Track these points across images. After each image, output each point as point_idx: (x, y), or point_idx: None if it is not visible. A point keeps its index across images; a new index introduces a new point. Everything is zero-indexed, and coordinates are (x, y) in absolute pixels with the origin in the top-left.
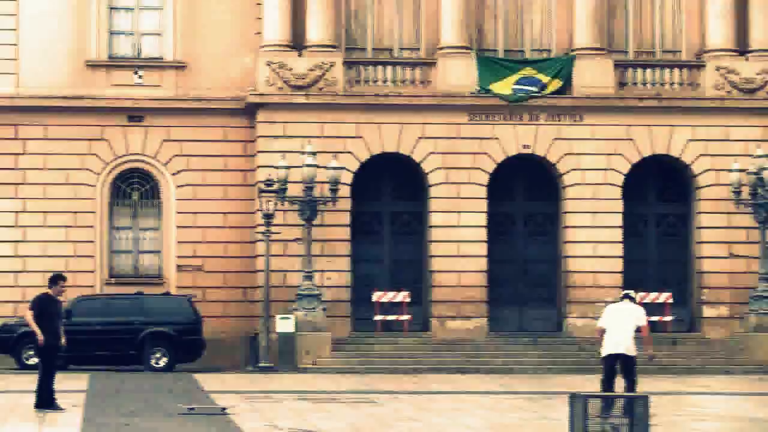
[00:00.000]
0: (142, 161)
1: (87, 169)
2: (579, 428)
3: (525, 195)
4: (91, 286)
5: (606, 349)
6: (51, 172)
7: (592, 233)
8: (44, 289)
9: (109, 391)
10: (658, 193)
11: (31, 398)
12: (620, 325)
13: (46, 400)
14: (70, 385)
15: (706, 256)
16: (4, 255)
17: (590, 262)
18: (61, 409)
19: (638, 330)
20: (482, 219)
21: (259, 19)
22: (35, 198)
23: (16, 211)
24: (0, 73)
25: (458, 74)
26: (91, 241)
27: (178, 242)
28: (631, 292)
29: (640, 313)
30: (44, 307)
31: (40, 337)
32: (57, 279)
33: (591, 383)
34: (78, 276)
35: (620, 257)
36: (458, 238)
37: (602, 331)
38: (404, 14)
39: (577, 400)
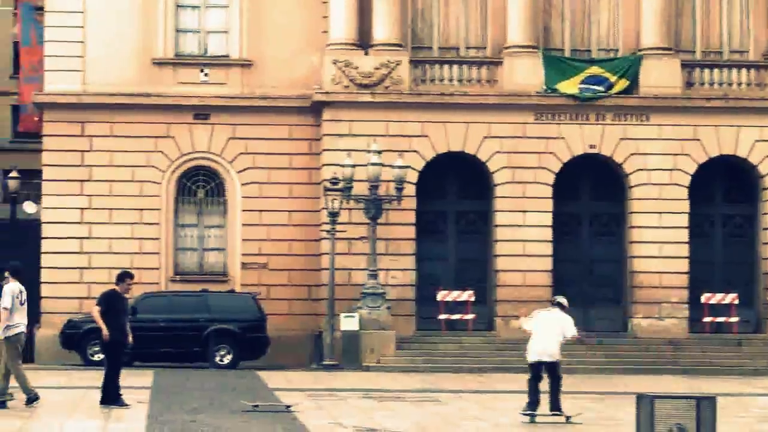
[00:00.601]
0: (208, 159)
1: (153, 167)
2: (646, 429)
3: (591, 195)
4: (156, 284)
5: (531, 356)
6: (117, 170)
7: (658, 233)
8: (109, 285)
9: (174, 388)
10: (725, 194)
11: (97, 394)
12: (546, 332)
13: (111, 396)
14: (135, 381)
15: None
16: (70, 251)
17: (656, 263)
18: (127, 405)
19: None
20: (548, 219)
21: (326, 17)
22: (101, 195)
23: (82, 208)
24: (67, 70)
25: (524, 73)
26: (157, 239)
27: (243, 240)
28: (562, 300)
29: (568, 323)
30: (111, 303)
31: (105, 332)
32: (124, 276)
33: (657, 384)
34: (143, 273)
35: (686, 258)
36: (523, 237)
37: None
38: (471, 13)
39: (644, 401)
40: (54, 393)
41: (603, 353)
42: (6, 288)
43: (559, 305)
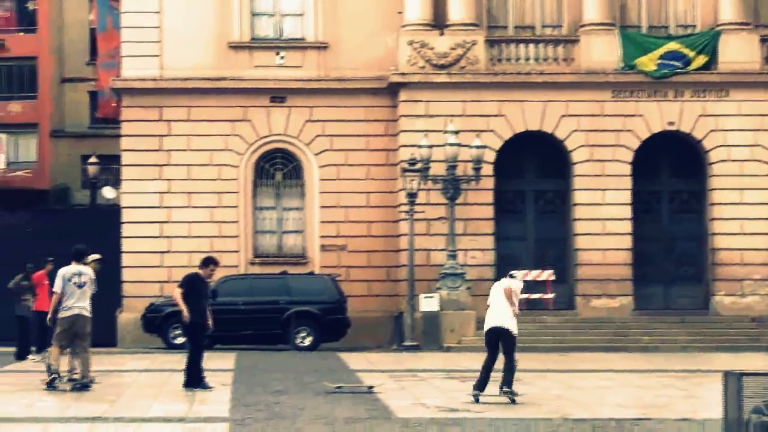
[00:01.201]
0: (285, 141)
1: (230, 150)
2: (733, 406)
3: (670, 172)
4: (236, 266)
5: (486, 325)
6: (195, 153)
7: (740, 210)
8: (189, 269)
9: (256, 371)
10: None
11: (180, 377)
12: (497, 301)
13: (194, 379)
14: (218, 364)
15: None
16: (150, 236)
17: (738, 240)
18: (210, 387)
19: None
20: (627, 197)
21: None
22: (180, 179)
23: (162, 192)
24: (144, 56)
25: (602, 51)
26: (235, 222)
27: (322, 222)
28: (516, 272)
29: (514, 283)
30: (193, 286)
31: (185, 314)
32: (209, 261)
33: (740, 361)
34: (222, 256)
35: None
36: (603, 216)
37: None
38: None
39: (732, 378)
40: (138, 376)
41: (685, 331)
42: (59, 271)
43: (512, 276)
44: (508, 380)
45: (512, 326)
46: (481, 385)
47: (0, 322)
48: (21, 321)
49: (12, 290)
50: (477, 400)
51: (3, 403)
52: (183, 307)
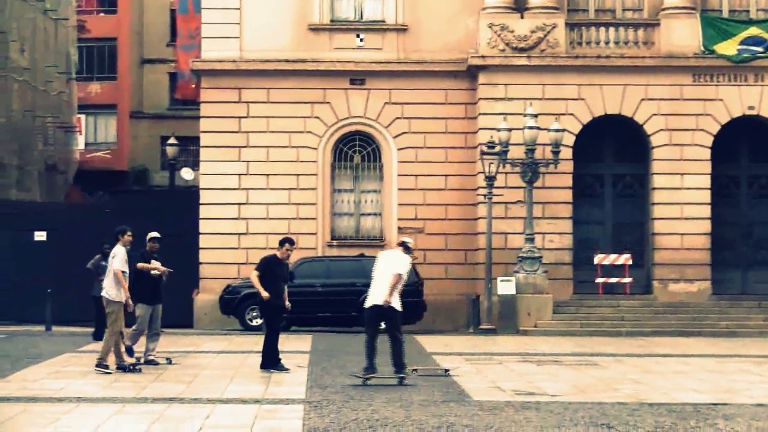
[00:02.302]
0: (364, 124)
1: (309, 132)
2: None
3: (750, 157)
4: (313, 248)
5: (368, 301)
6: (274, 135)
7: None
8: (267, 251)
9: (332, 353)
10: None
11: (257, 358)
12: (382, 276)
13: (271, 360)
14: (294, 345)
15: None
16: (229, 217)
17: None
18: (287, 369)
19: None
20: (706, 181)
21: None
22: (258, 161)
23: (240, 174)
24: (224, 37)
25: (682, 35)
26: (313, 204)
27: (399, 205)
28: (409, 241)
29: (400, 262)
30: (269, 268)
31: (263, 294)
32: (284, 242)
33: None
34: (300, 238)
35: None
36: (681, 200)
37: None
38: None
39: None
40: (214, 358)
41: (763, 316)
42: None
43: (403, 245)
44: (397, 362)
45: (396, 303)
46: (370, 368)
47: (80, 303)
48: (98, 301)
49: (90, 270)
50: (365, 383)
51: (81, 383)
52: (260, 288)
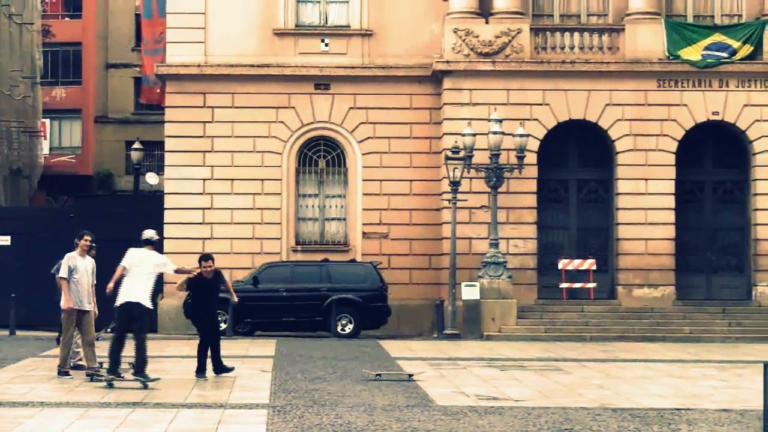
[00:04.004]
0: (329, 129)
1: (274, 137)
2: None
3: (714, 162)
4: (278, 253)
5: (121, 298)
6: (238, 140)
7: None
8: (233, 256)
9: (297, 357)
10: None
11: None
12: (139, 274)
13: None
14: (258, 350)
15: None
16: (193, 222)
17: None
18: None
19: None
20: (670, 186)
21: None
22: (223, 165)
23: (205, 179)
24: (189, 42)
25: (646, 40)
26: (278, 209)
27: (364, 209)
28: (153, 236)
29: (160, 259)
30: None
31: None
32: (203, 259)
33: None
34: (264, 243)
35: None
36: (646, 205)
37: (123, 271)
38: None
39: None
40: (179, 362)
41: (727, 322)
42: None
43: (149, 242)
44: (139, 365)
45: (148, 302)
46: (113, 368)
47: (44, 308)
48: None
49: (54, 275)
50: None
51: (44, 387)
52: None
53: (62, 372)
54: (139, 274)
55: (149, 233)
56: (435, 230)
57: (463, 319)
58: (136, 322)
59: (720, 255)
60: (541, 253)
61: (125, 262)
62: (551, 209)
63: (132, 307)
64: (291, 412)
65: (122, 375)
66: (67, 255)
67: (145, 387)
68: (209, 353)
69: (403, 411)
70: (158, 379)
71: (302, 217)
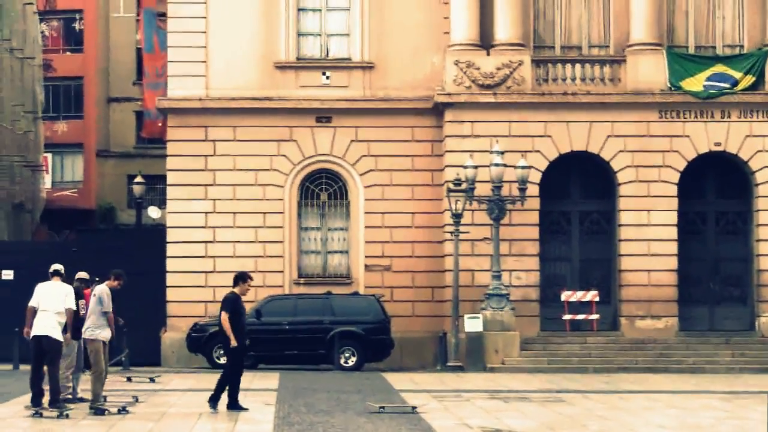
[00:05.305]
0: (331, 162)
1: (276, 170)
2: None
3: (717, 193)
4: (280, 286)
5: (33, 331)
6: (240, 173)
7: None
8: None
9: (300, 390)
10: None
11: (224, 397)
12: (46, 305)
13: (234, 400)
14: (262, 383)
15: None
16: (195, 255)
17: None
18: (245, 409)
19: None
20: (673, 217)
21: (447, 18)
22: (225, 199)
23: (206, 212)
24: (190, 75)
25: (648, 71)
26: (280, 242)
27: (366, 242)
28: (60, 268)
29: (69, 295)
30: (236, 306)
31: (233, 342)
32: (246, 278)
33: None
34: (267, 276)
35: None
36: (649, 236)
37: (33, 312)
38: (593, 11)
39: None
40: (182, 396)
41: (730, 353)
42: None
43: (58, 274)
44: (53, 394)
45: (58, 334)
46: (35, 399)
47: None
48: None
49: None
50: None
51: (49, 422)
52: (231, 334)
53: (97, 408)
54: (47, 308)
55: (56, 265)
56: (437, 262)
57: (466, 352)
58: (47, 354)
59: (723, 286)
60: (543, 284)
61: (32, 301)
62: (554, 241)
63: (40, 340)
64: None
65: (65, 407)
66: (107, 289)
67: (62, 416)
68: (221, 378)
69: None
70: (73, 408)
71: (305, 250)
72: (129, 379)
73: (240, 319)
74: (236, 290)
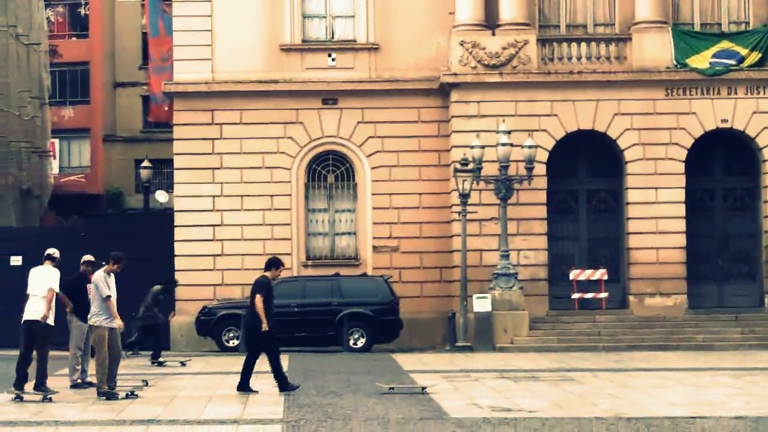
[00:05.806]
0: (337, 143)
1: (282, 153)
2: None
3: (724, 170)
4: (288, 269)
5: (24, 315)
6: (247, 156)
7: None
8: (243, 272)
9: (310, 372)
10: None
11: (234, 379)
12: (34, 290)
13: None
14: None
15: None
16: (204, 239)
17: None
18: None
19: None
20: (680, 195)
21: None
22: (232, 182)
23: (214, 196)
24: (196, 59)
25: (654, 49)
26: (288, 224)
27: (374, 223)
28: (54, 252)
29: (53, 276)
30: (270, 290)
31: (265, 325)
32: (279, 264)
33: None
34: None
35: None
36: (656, 214)
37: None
38: None
39: None
40: (191, 379)
41: (739, 329)
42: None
43: (50, 258)
44: (40, 377)
45: (51, 319)
46: (18, 383)
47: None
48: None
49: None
50: (20, 398)
51: (59, 406)
52: (264, 318)
53: (106, 393)
54: (36, 293)
55: (50, 250)
56: (445, 243)
57: (475, 332)
58: (37, 338)
59: (731, 263)
60: (551, 263)
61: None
62: (561, 220)
63: (31, 324)
64: (305, 426)
65: (49, 391)
66: (103, 274)
67: (45, 399)
68: (271, 367)
69: (417, 424)
70: (57, 392)
71: (312, 232)
72: (161, 364)
73: (270, 303)
74: (268, 274)
